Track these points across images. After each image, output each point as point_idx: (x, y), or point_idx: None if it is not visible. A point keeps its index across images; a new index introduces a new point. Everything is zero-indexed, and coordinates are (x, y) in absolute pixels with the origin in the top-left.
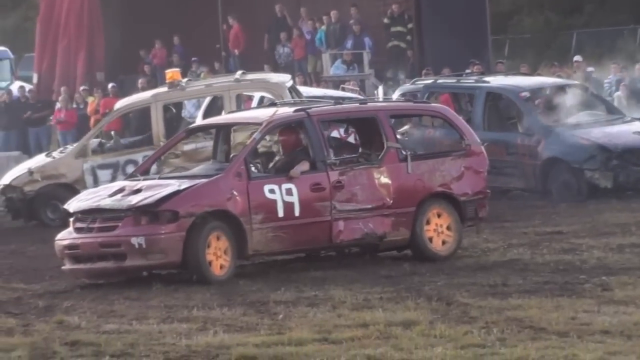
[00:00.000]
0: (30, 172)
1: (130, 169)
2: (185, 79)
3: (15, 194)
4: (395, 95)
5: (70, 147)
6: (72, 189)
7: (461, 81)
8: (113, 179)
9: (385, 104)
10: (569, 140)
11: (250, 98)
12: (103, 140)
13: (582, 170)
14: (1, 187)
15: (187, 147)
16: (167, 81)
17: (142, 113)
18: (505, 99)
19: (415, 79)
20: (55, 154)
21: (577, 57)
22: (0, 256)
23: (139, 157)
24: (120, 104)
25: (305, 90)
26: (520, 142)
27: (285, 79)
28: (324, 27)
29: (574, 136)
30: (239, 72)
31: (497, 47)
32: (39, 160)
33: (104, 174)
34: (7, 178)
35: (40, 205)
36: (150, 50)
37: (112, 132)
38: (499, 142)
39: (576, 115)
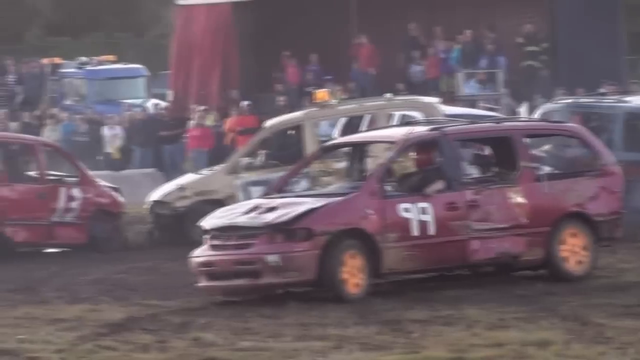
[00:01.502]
0: (182, 188)
1: None
2: (338, 99)
3: (166, 210)
4: (536, 115)
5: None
6: (222, 206)
7: (601, 101)
8: None
9: (519, 124)
10: None
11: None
12: (251, 159)
13: None
14: (150, 203)
15: (339, 165)
16: (316, 101)
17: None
18: None
19: (557, 98)
20: (205, 171)
21: None
22: (136, 273)
23: None
24: (272, 122)
25: (454, 110)
26: None
27: (435, 100)
28: (458, 46)
29: None
30: (388, 94)
31: (632, 67)
32: (190, 177)
33: (256, 191)
34: (157, 194)
35: (190, 222)
36: (283, 68)
37: (261, 150)
38: (638, 162)
39: None
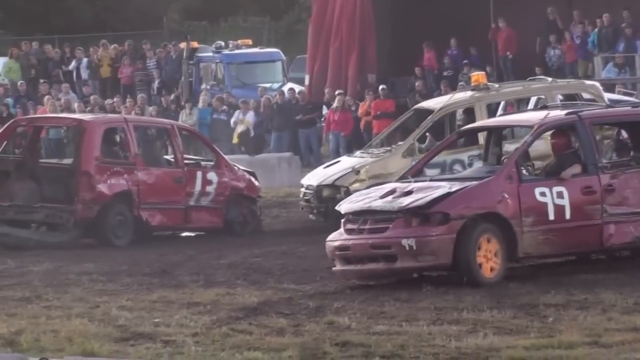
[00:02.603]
0: (356, 171)
1: (457, 168)
2: (498, 84)
3: (340, 194)
4: None
5: (390, 147)
6: None
7: None
8: None
9: None
10: None
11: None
12: (417, 143)
13: None
14: (314, 187)
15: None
16: (472, 83)
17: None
18: None
19: None
20: (358, 153)
21: None
22: (271, 257)
23: (464, 156)
24: (443, 104)
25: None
26: None
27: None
28: (596, 30)
29: None
30: (549, 78)
31: None
32: (351, 161)
33: (431, 173)
34: (324, 178)
35: None
36: (420, 52)
37: (427, 133)
38: None
39: None
